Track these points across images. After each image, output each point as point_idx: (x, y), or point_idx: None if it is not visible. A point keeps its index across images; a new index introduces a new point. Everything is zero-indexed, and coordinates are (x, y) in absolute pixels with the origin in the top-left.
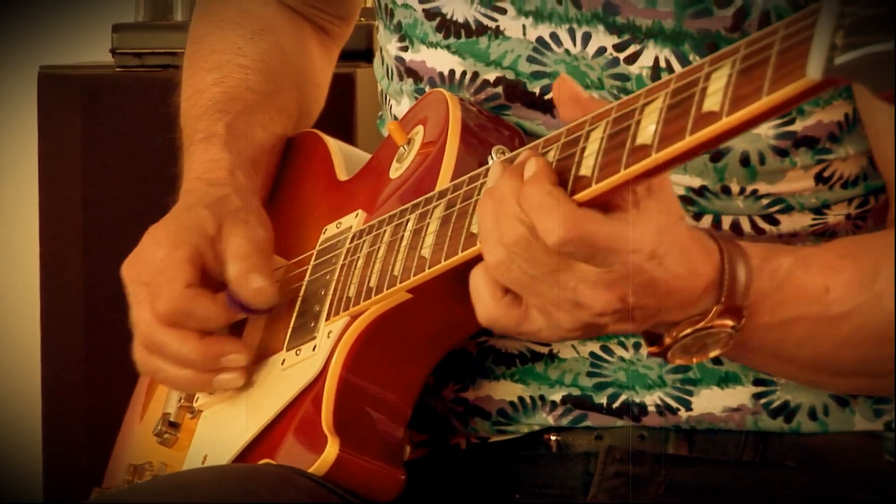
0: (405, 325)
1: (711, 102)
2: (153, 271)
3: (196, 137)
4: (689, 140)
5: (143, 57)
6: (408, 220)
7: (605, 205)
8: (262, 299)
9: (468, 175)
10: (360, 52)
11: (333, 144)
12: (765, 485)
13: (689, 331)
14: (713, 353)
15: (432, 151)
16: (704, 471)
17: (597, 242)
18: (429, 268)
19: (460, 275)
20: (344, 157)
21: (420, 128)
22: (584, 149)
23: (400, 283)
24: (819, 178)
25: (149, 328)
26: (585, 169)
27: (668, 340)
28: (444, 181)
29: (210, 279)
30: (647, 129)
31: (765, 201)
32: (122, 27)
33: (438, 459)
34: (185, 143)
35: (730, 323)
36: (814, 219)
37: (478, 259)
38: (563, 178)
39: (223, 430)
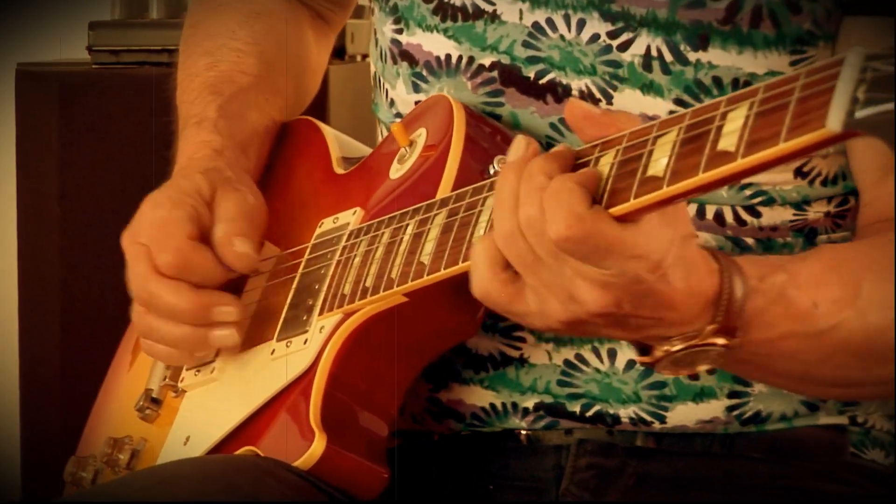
0: (398, 327)
1: (727, 142)
2: (154, 229)
3: (189, 122)
4: (702, 177)
5: (119, 54)
6: (407, 225)
7: None
8: (243, 262)
9: (472, 186)
10: (332, 50)
11: (330, 134)
12: (732, 476)
13: (681, 346)
14: (701, 368)
15: (434, 156)
16: (674, 463)
17: (597, 244)
18: (427, 274)
19: (457, 284)
20: (340, 148)
21: (423, 130)
22: (603, 170)
23: (397, 286)
24: (799, 172)
25: (143, 280)
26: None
27: (659, 354)
28: (445, 188)
29: (206, 242)
30: (660, 162)
31: (748, 192)
32: (98, 25)
33: (412, 450)
34: (180, 126)
35: (722, 341)
36: (794, 214)
37: None
38: None
39: (208, 413)
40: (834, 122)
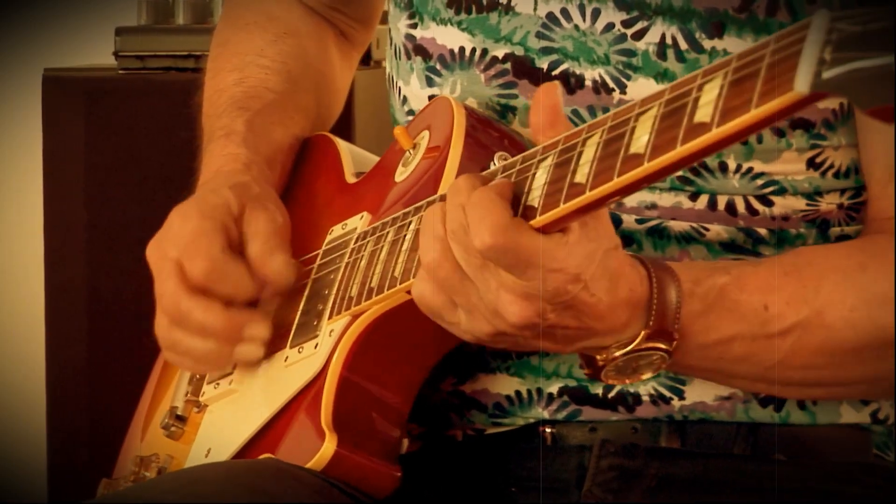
0: (405, 326)
1: (702, 114)
2: (184, 242)
3: (216, 134)
4: (680, 150)
5: (144, 59)
6: (410, 223)
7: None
8: (283, 278)
9: None
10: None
11: (344, 147)
12: (755, 478)
13: (618, 354)
14: (646, 376)
15: (436, 156)
16: (696, 464)
17: (519, 253)
18: None
19: None
20: (353, 160)
21: (426, 133)
22: (581, 153)
23: (400, 283)
24: (811, 164)
25: (174, 297)
26: (580, 176)
27: (600, 362)
28: (446, 185)
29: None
30: (641, 139)
31: (759, 181)
32: (124, 30)
33: (435, 452)
34: (205, 140)
35: (662, 346)
36: (807, 204)
37: None
38: (559, 185)
39: (227, 424)
40: (801, 84)
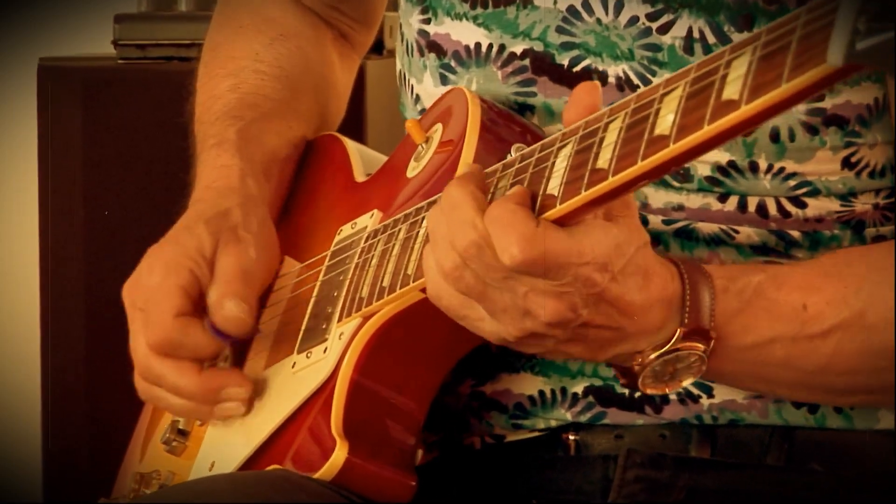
0: (419, 327)
1: (731, 91)
2: (147, 297)
3: (208, 143)
4: (708, 130)
5: (145, 48)
6: (423, 218)
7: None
8: (234, 327)
9: (486, 171)
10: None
11: (352, 146)
12: (788, 489)
13: (654, 355)
14: (686, 381)
15: (451, 150)
16: (727, 475)
17: (548, 260)
18: None
19: None
20: (363, 160)
21: (439, 126)
22: (602, 139)
23: (413, 281)
24: (846, 163)
25: (146, 359)
26: (602, 161)
27: (636, 368)
28: None
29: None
30: (666, 120)
31: (792, 182)
32: (124, 18)
33: (452, 461)
34: (198, 148)
35: (699, 346)
36: (841, 205)
37: None
38: (580, 172)
39: (232, 436)
40: (835, 55)
